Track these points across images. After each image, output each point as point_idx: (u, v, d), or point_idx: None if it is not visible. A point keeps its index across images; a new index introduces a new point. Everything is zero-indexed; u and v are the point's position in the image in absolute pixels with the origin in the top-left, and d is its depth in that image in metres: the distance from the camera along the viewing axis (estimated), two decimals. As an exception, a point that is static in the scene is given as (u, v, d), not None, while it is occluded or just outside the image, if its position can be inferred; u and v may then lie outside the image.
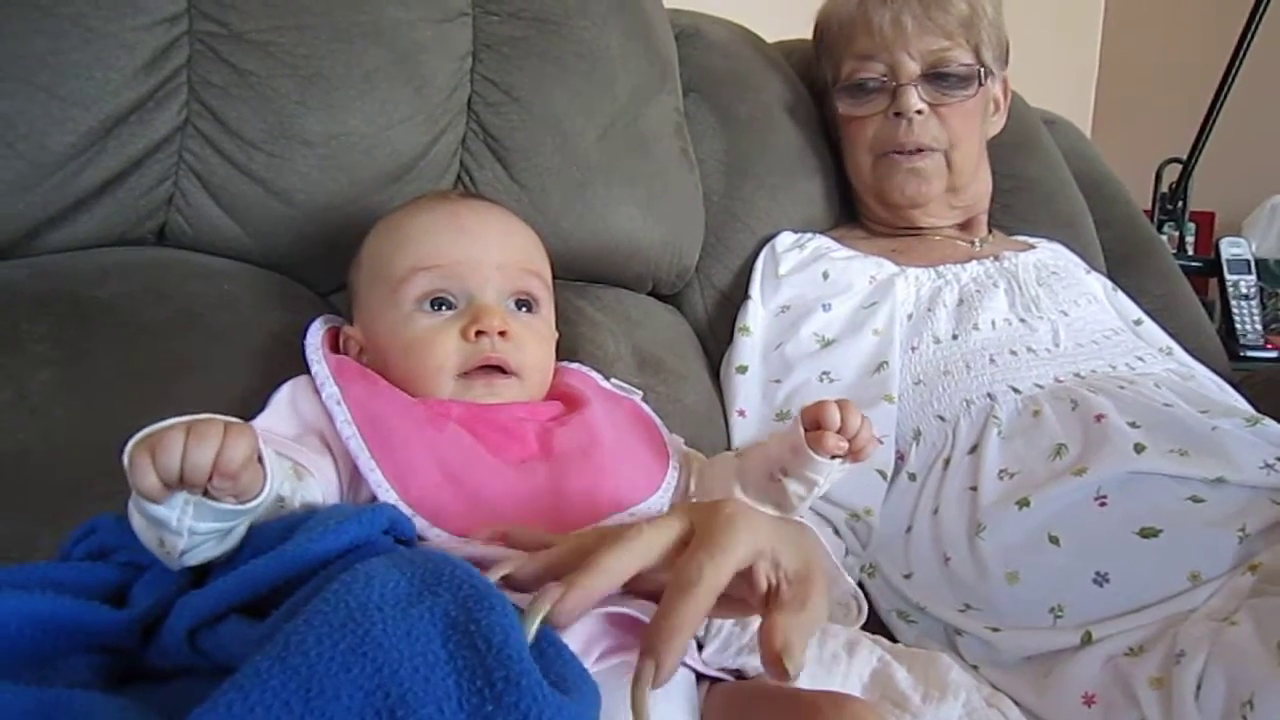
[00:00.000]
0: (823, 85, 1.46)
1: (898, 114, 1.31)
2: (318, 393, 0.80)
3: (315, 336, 0.87)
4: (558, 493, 0.78)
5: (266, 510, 0.63)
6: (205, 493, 0.56)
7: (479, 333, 0.83)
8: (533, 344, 0.87)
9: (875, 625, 1.03)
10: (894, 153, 1.33)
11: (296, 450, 0.73)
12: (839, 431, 0.79)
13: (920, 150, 1.32)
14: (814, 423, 0.80)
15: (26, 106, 0.87)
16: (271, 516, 0.64)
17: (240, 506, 0.59)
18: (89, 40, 0.89)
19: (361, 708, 0.41)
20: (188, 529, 0.57)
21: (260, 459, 0.60)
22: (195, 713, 0.40)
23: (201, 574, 0.61)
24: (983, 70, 1.33)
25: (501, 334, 0.83)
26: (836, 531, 1.06)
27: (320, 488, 0.71)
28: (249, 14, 0.97)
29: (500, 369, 0.84)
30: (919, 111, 1.30)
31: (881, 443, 1.10)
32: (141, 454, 0.55)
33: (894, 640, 1.01)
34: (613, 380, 0.99)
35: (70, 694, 0.47)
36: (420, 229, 0.88)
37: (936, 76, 1.31)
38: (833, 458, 0.81)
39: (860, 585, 1.07)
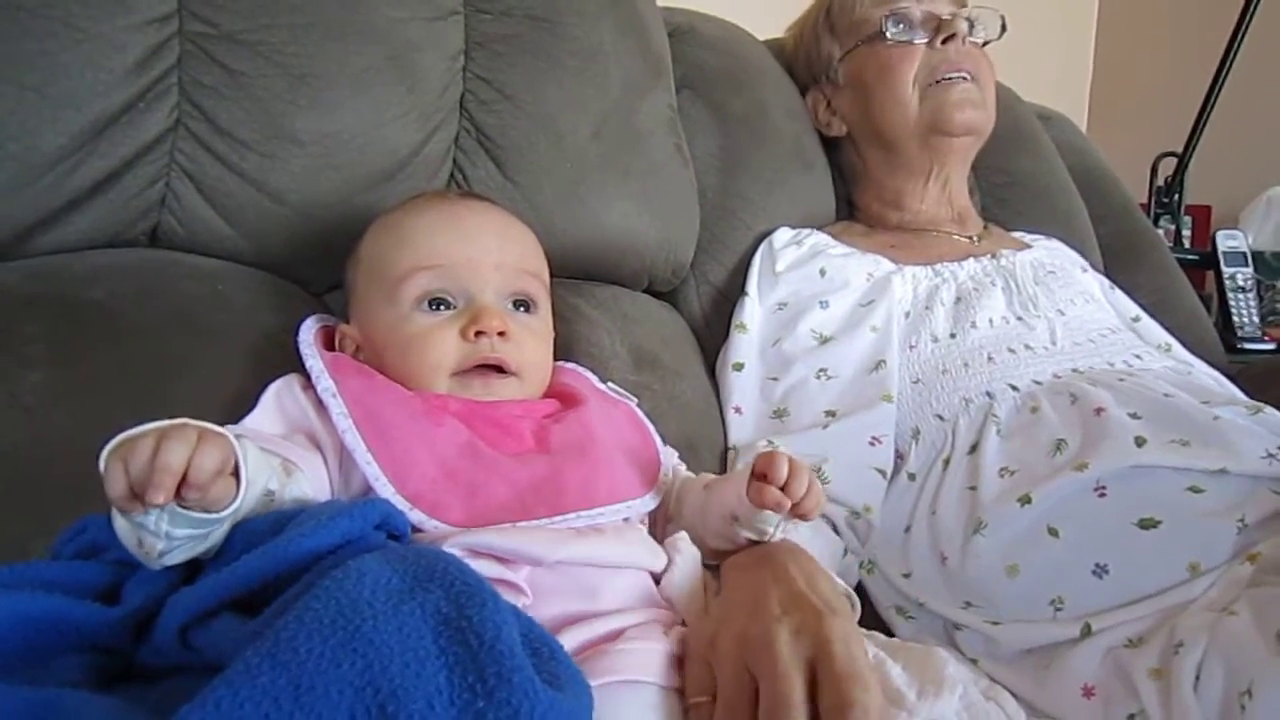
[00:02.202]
0: (821, 69, 1.45)
1: (948, 39, 1.32)
2: (305, 390, 0.81)
3: (308, 333, 0.87)
4: (555, 484, 0.78)
5: (256, 505, 0.63)
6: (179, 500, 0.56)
7: (478, 333, 0.83)
8: (531, 344, 0.88)
9: (874, 621, 1.03)
10: (947, 78, 1.33)
11: (286, 447, 0.73)
12: (783, 489, 0.76)
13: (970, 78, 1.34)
14: (762, 473, 0.77)
15: (17, 108, 0.87)
16: (261, 511, 0.64)
17: (211, 516, 0.59)
18: (79, 41, 0.89)
19: (351, 703, 0.41)
20: (164, 533, 0.58)
21: (236, 468, 0.60)
22: (185, 709, 0.40)
23: (193, 571, 0.61)
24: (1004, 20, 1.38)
25: (500, 334, 0.84)
26: (836, 529, 1.06)
27: (310, 483, 0.72)
28: (239, 14, 0.97)
29: (499, 368, 0.85)
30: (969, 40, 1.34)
31: (880, 442, 1.10)
32: (115, 463, 0.55)
33: (892, 635, 1.02)
34: (609, 384, 0.99)
35: (61, 694, 0.47)
36: (420, 228, 0.88)
37: (969, 21, 1.34)
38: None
39: (859, 582, 1.07)
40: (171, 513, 0.57)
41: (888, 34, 1.35)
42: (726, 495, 0.83)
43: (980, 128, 1.37)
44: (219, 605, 0.54)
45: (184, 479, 0.55)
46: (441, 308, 0.85)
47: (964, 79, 1.33)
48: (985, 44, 1.40)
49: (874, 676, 0.62)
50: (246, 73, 0.97)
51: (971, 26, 1.35)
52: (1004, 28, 1.39)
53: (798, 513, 0.78)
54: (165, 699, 0.48)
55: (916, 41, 1.34)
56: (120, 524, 0.59)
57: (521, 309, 0.89)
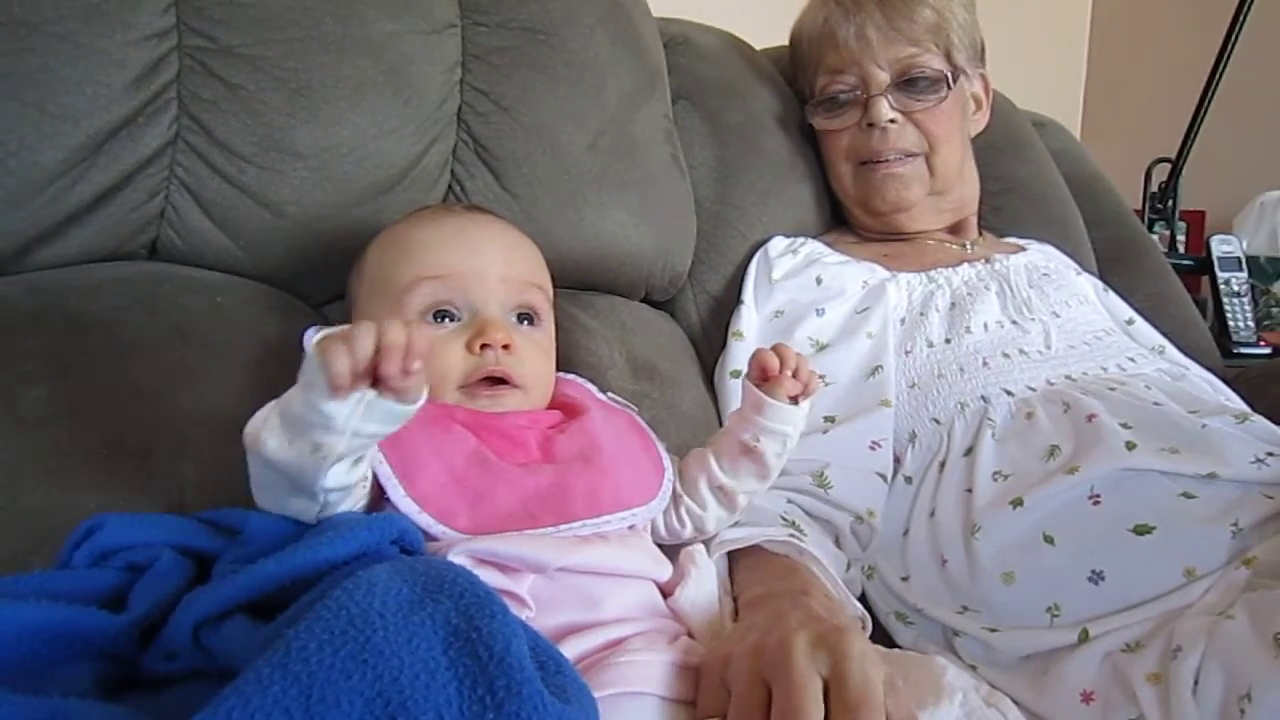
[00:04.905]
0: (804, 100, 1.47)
1: (870, 124, 1.33)
2: None
3: (313, 341, 0.87)
4: (561, 493, 0.78)
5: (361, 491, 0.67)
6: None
7: (483, 345, 0.83)
8: (535, 356, 0.88)
9: (874, 627, 1.03)
10: (872, 161, 1.35)
11: None
12: (782, 369, 0.87)
13: (901, 158, 1.33)
14: (760, 374, 0.88)
15: (17, 123, 0.87)
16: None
17: (404, 407, 0.62)
18: (78, 56, 0.89)
19: (362, 714, 0.41)
20: (352, 430, 0.60)
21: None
22: (197, 718, 0.40)
23: (202, 576, 0.61)
24: (952, 73, 1.34)
25: (505, 347, 0.84)
26: (839, 541, 1.06)
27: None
28: (237, 28, 0.97)
29: (504, 381, 0.85)
30: (891, 120, 1.32)
31: (880, 447, 1.10)
32: (335, 342, 0.58)
33: (891, 642, 1.02)
34: (609, 394, 0.99)
35: (67, 703, 0.47)
36: (425, 240, 0.88)
37: (906, 83, 1.32)
38: (791, 400, 0.87)
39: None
40: (370, 403, 0.60)
41: (814, 125, 1.41)
42: (734, 428, 0.90)
43: (913, 201, 1.36)
44: (233, 607, 0.55)
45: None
46: (446, 320, 0.85)
47: (890, 161, 1.34)
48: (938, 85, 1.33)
49: (895, 700, 0.63)
50: (245, 86, 0.97)
51: (911, 85, 1.32)
52: (950, 82, 1.33)
53: (803, 381, 0.88)
54: (172, 708, 0.49)
55: (843, 128, 1.37)
56: (279, 440, 0.62)
57: (525, 322, 0.90)
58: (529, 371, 0.87)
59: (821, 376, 1.16)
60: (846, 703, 0.61)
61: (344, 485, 0.66)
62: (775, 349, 0.88)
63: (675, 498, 0.90)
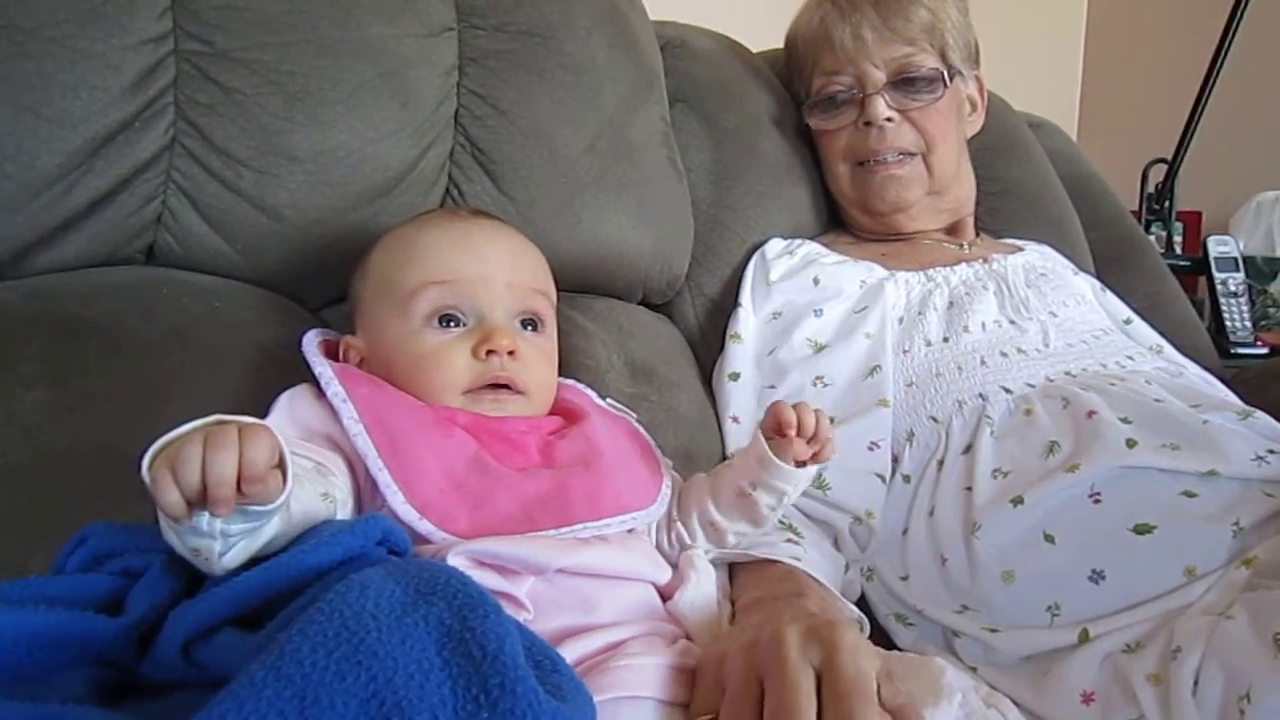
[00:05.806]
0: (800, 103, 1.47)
1: (867, 123, 1.34)
2: (318, 399, 0.80)
3: (312, 344, 0.87)
4: (561, 497, 0.78)
5: (316, 508, 0.63)
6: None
7: (489, 351, 0.84)
8: (539, 363, 0.89)
9: (873, 629, 1.03)
10: (870, 161, 1.35)
11: (313, 450, 0.74)
12: (798, 433, 0.83)
13: (899, 158, 1.34)
14: (775, 428, 0.84)
15: (13, 128, 0.87)
16: (324, 515, 0.64)
17: (264, 508, 0.57)
18: (75, 61, 0.89)
19: (356, 716, 0.41)
20: (219, 533, 0.56)
21: (281, 458, 0.57)
22: (189, 722, 0.40)
23: (195, 582, 0.61)
24: (948, 72, 1.34)
25: (510, 353, 0.85)
26: (838, 541, 1.06)
27: (342, 484, 0.72)
28: (234, 32, 0.97)
29: (508, 387, 0.85)
30: (888, 119, 1.33)
31: (879, 447, 1.10)
32: (163, 473, 0.53)
33: (891, 644, 1.02)
34: (608, 400, 1.00)
35: (65, 710, 0.47)
36: (432, 245, 0.89)
37: (902, 82, 1.33)
38: (798, 464, 0.84)
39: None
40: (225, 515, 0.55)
41: (811, 125, 1.42)
42: (737, 467, 0.87)
43: (912, 201, 1.37)
44: (221, 621, 0.54)
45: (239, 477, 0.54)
46: (452, 325, 0.86)
47: (889, 162, 1.34)
48: (935, 82, 1.34)
49: (891, 689, 0.63)
50: (242, 90, 0.97)
51: (907, 84, 1.33)
52: (946, 80, 1.34)
53: (817, 444, 0.84)
54: (170, 714, 0.49)
55: (840, 127, 1.38)
56: (172, 538, 0.58)
57: (529, 328, 0.90)
58: (533, 378, 0.87)
59: (819, 378, 1.17)
60: (838, 693, 0.61)
61: (256, 553, 0.60)
62: (796, 408, 0.84)
63: (669, 520, 0.91)
